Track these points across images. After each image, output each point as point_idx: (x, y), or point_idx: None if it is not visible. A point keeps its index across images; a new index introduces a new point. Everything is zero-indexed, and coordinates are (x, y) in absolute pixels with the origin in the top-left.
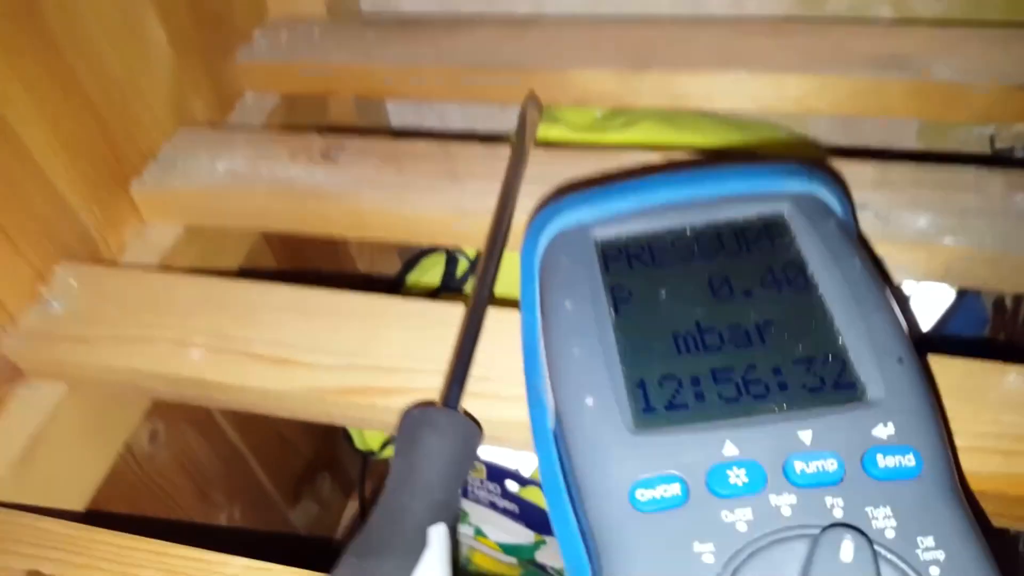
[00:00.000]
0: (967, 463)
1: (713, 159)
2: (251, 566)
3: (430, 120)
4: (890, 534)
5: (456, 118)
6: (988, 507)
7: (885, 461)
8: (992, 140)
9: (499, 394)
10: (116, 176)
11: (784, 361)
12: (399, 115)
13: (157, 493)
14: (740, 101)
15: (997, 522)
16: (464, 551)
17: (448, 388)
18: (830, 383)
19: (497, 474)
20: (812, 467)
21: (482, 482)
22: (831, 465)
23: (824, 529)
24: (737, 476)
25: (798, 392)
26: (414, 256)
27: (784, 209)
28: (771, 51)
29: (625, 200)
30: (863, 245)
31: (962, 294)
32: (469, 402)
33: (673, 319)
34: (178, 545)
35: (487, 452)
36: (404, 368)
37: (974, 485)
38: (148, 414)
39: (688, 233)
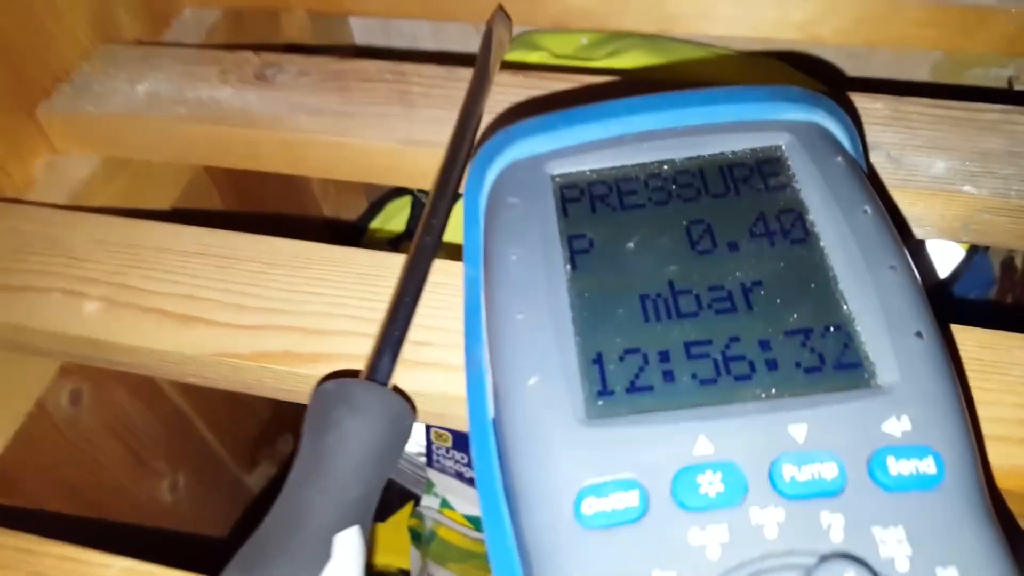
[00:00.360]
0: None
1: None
2: (133, 569)
3: (399, 41)
4: (902, 565)
5: (427, 39)
6: (1013, 507)
7: (898, 466)
8: (1011, 81)
9: (442, 362)
10: (20, 99)
11: (775, 333)
12: (365, 35)
13: (83, 460)
14: (737, 27)
15: None
16: (429, 525)
17: (375, 357)
18: (831, 363)
19: (464, 442)
20: (806, 473)
21: (448, 450)
22: (830, 471)
23: (819, 561)
24: (711, 483)
25: (791, 374)
26: (379, 199)
27: (782, 141)
28: None
29: (590, 127)
30: (876, 188)
31: (970, 252)
32: (405, 373)
33: (642, 278)
34: (53, 542)
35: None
36: (335, 330)
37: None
38: (66, 372)
39: (665, 170)
